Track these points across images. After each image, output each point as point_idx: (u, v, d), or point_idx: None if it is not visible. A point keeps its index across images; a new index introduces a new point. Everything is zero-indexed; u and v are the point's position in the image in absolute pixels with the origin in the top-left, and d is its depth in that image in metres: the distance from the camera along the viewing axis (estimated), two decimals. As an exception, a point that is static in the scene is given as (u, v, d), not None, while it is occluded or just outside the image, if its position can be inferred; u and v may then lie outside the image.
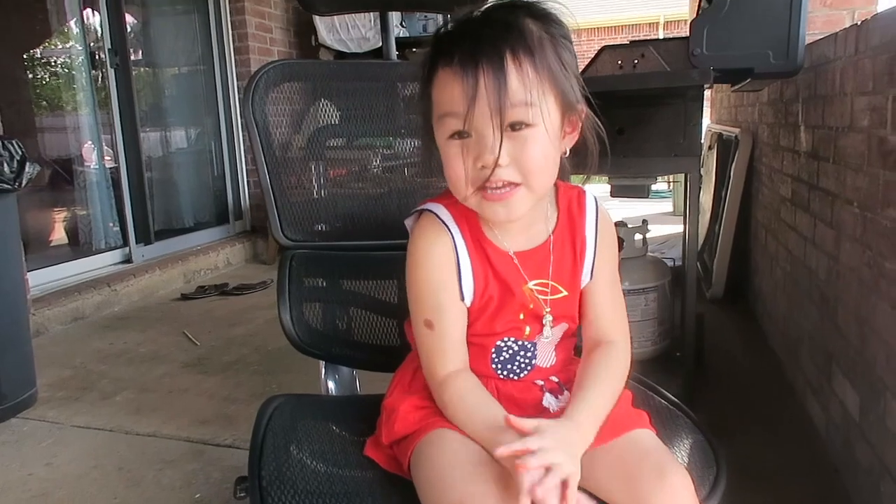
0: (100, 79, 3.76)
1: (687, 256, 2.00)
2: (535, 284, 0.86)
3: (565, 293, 0.87)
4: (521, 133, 0.75)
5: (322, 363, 1.20)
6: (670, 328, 2.37)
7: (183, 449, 1.94)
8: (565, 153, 0.83)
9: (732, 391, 2.16)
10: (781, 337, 2.35)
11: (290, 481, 0.81)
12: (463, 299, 0.84)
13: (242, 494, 0.82)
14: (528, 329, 0.87)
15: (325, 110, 1.22)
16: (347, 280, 1.21)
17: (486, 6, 0.80)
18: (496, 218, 0.80)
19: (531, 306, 0.86)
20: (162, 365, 2.63)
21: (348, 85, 1.23)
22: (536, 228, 0.87)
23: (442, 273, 0.84)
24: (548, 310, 0.86)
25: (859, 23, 1.56)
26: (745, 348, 2.54)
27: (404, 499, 0.78)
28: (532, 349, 0.88)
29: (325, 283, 1.20)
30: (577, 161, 0.87)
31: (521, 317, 0.86)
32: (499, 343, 0.87)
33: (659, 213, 5.39)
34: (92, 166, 3.88)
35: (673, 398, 1.00)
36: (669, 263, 2.57)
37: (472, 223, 0.85)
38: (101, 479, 1.78)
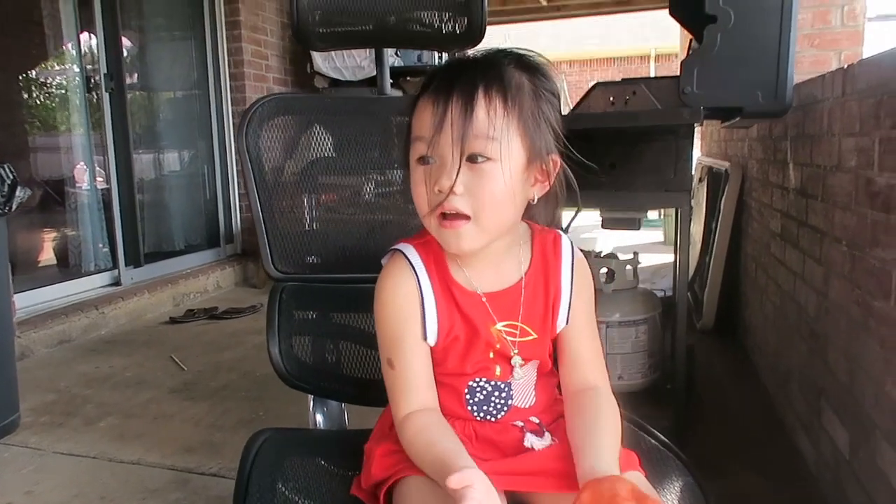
0: (94, 101, 3.77)
1: (678, 289, 2.01)
2: (504, 326, 0.86)
3: (534, 336, 0.88)
4: (481, 166, 0.77)
5: (310, 396, 1.20)
6: (660, 360, 2.37)
7: (167, 477, 1.91)
8: (533, 200, 0.84)
9: (722, 424, 2.15)
10: (771, 370, 2.35)
11: (275, 523, 0.80)
12: (426, 339, 0.85)
13: (227, 534, 0.80)
14: (498, 369, 0.87)
15: (319, 144, 1.22)
16: (337, 313, 1.21)
17: (480, 52, 0.83)
18: (448, 247, 0.82)
19: (498, 346, 0.86)
20: (148, 390, 2.60)
21: (343, 119, 1.24)
22: (507, 269, 0.88)
23: (404, 313, 0.85)
24: (515, 351, 0.87)
25: (846, 66, 1.59)
26: (735, 381, 2.55)
27: (391, 542, 0.76)
28: (506, 389, 0.88)
29: (314, 316, 1.19)
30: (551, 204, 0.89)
31: (491, 356, 0.87)
32: (471, 384, 0.87)
33: (649, 243, 5.41)
34: (83, 188, 3.87)
35: (664, 438, 0.99)
36: (660, 294, 2.58)
37: (440, 264, 0.87)
38: (83, 509, 1.75)
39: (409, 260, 0.87)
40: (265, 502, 0.85)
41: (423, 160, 0.80)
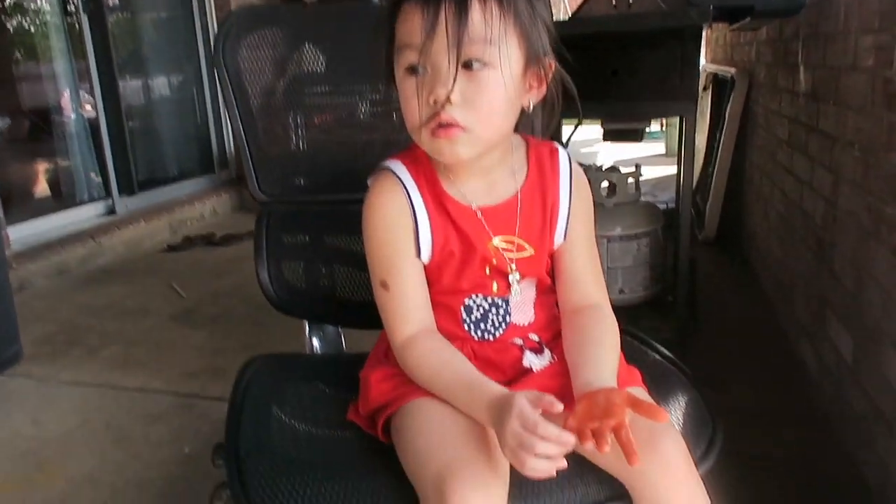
0: (75, 27, 3.61)
1: (681, 201, 1.96)
2: (501, 241, 0.83)
3: (531, 252, 0.84)
4: (478, 74, 0.72)
5: (306, 321, 1.17)
6: (662, 273, 2.35)
7: (171, 403, 1.92)
8: (529, 107, 0.79)
9: (724, 335, 2.15)
10: (774, 281, 2.33)
11: (268, 450, 0.78)
12: (420, 256, 0.82)
13: (220, 463, 0.79)
14: (495, 285, 0.84)
15: (303, 57, 1.14)
16: (329, 236, 1.16)
17: None
18: (440, 156, 0.77)
19: (495, 262, 0.83)
20: (149, 318, 2.60)
21: (327, 30, 1.15)
22: (502, 183, 0.84)
23: (395, 231, 0.81)
24: (513, 267, 0.83)
25: (867, -46, 1.47)
26: (737, 292, 2.53)
27: (388, 467, 0.75)
28: (504, 306, 0.85)
29: (305, 240, 1.15)
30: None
31: (487, 271, 0.84)
32: (467, 301, 0.85)
33: (651, 155, 5.31)
34: (70, 116, 3.77)
35: (667, 353, 0.97)
36: (662, 206, 2.53)
37: (431, 179, 0.82)
38: (89, 437, 1.77)
39: (398, 176, 0.82)
40: (260, 427, 0.83)
41: (412, 70, 0.74)
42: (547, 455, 0.62)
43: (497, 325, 0.85)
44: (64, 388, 2.05)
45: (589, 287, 0.87)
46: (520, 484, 0.72)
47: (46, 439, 1.77)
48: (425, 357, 0.80)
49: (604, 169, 2.31)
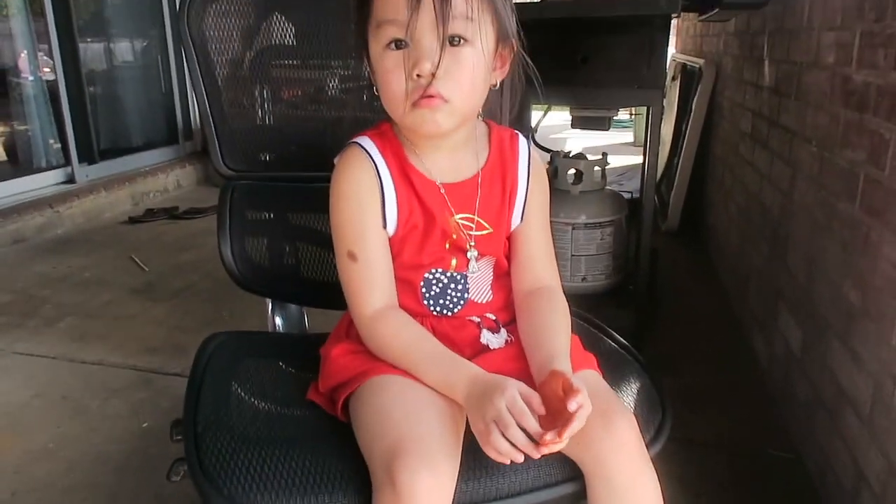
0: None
1: (645, 191, 1.98)
2: (461, 218, 0.86)
3: (490, 230, 0.88)
4: (460, 49, 0.76)
5: (269, 300, 1.16)
6: (624, 262, 2.38)
7: (130, 378, 1.90)
8: (495, 85, 0.83)
9: (681, 324, 2.20)
10: (732, 272, 2.39)
11: (226, 426, 0.78)
12: (385, 227, 0.84)
13: (178, 438, 0.79)
14: (454, 261, 0.87)
15: (272, 28, 1.13)
16: (294, 213, 1.16)
17: None
18: (422, 127, 0.79)
19: (454, 237, 0.86)
20: (108, 291, 2.55)
21: (298, 2, 1.14)
22: (465, 161, 0.87)
23: (364, 202, 0.83)
24: (472, 243, 0.87)
25: (832, -47, 1.50)
26: (695, 283, 2.59)
27: (346, 445, 0.75)
28: (463, 282, 0.88)
29: (270, 217, 1.14)
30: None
31: (447, 246, 0.86)
32: (427, 276, 0.87)
33: (619, 144, 5.37)
34: (28, 78, 3.64)
35: (623, 341, 0.99)
36: (627, 196, 2.56)
37: (398, 153, 0.85)
38: (44, 409, 1.74)
39: (365, 150, 0.84)
40: (219, 403, 0.83)
41: (394, 45, 0.76)
42: (513, 442, 0.66)
43: (455, 301, 0.88)
44: (18, 360, 2.01)
45: (542, 269, 0.90)
46: (473, 466, 0.74)
47: (-1, 411, 1.74)
48: (398, 329, 0.81)
49: (571, 156, 2.33)
